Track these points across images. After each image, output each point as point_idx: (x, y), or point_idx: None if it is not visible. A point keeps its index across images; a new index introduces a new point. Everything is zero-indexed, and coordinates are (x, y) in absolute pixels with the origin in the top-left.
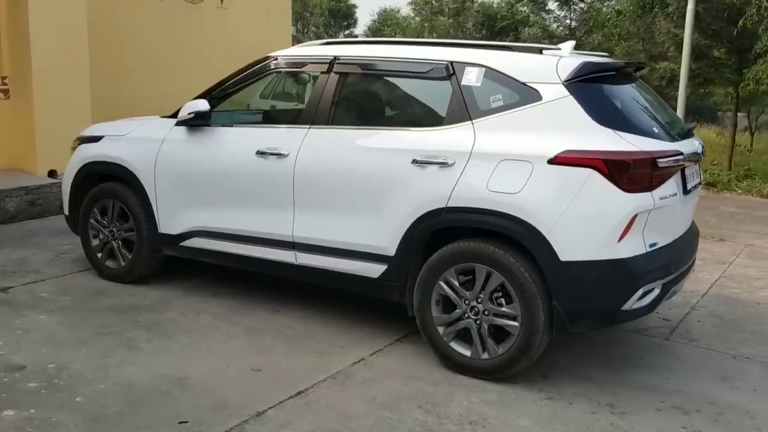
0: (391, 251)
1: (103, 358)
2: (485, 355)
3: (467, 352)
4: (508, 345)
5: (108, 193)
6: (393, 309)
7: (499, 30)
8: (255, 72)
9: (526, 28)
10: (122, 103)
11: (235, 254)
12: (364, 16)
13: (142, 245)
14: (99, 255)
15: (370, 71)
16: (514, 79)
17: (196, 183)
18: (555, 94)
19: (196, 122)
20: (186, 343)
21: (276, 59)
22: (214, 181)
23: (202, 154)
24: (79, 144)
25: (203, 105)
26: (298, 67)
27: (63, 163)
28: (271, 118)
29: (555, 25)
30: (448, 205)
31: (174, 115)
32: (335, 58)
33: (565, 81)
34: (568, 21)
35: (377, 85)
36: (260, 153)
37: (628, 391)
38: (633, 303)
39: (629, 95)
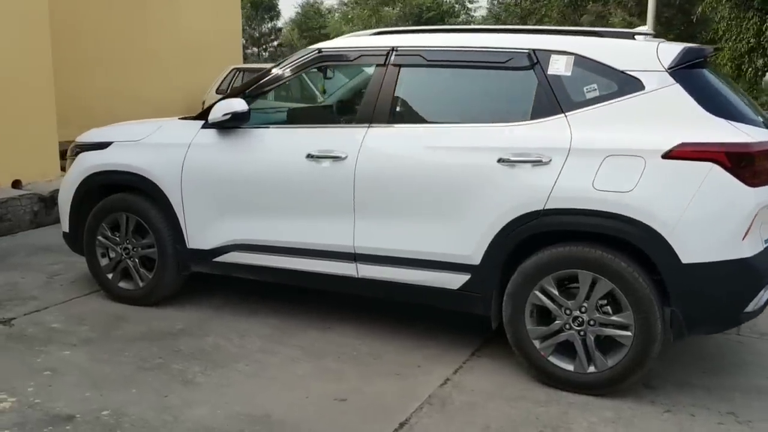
0: (476, 259)
1: (160, 398)
2: (591, 369)
3: (569, 367)
4: (619, 357)
5: (121, 206)
6: (449, 319)
7: (426, 21)
8: (300, 66)
9: (452, 19)
10: (65, 102)
11: (283, 269)
12: (288, 8)
13: (166, 263)
14: (110, 276)
15: (437, 62)
16: (610, 67)
17: (233, 191)
18: (659, 82)
19: (231, 124)
20: (247, 373)
21: (323, 51)
22: (255, 188)
23: (240, 158)
24: (78, 152)
25: (241, 105)
26: (349, 60)
27: (28, 171)
28: (315, 117)
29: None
30: (546, 207)
31: (200, 116)
32: (393, 48)
33: (669, 68)
34: (497, 10)
35: (446, 77)
36: (311, 156)
37: (739, 395)
38: (755, 303)
39: (719, 82)
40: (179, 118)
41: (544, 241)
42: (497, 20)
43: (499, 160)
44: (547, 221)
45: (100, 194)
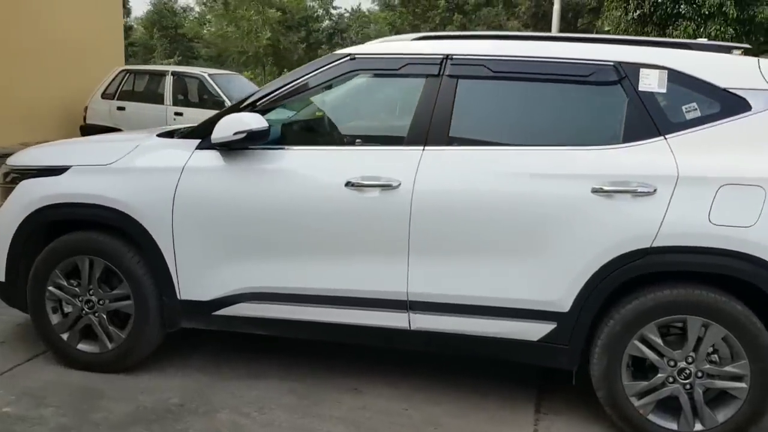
0: (565, 306)
1: None
2: (698, 427)
3: (672, 425)
4: (730, 411)
5: (83, 248)
6: (481, 366)
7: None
8: (327, 75)
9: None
10: None
11: (310, 322)
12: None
13: (147, 318)
14: (65, 336)
15: (504, 74)
16: (711, 84)
17: (246, 229)
18: (766, 103)
19: (241, 145)
20: None
21: (356, 58)
22: (278, 225)
23: (257, 187)
24: (15, 178)
25: (258, 122)
26: (391, 70)
27: None
28: (348, 135)
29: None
30: (654, 245)
31: (192, 134)
32: (447, 57)
33: None
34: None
35: (516, 91)
36: (352, 184)
37: None
38: None
39: None
40: (157, 135)
41: (643, 283)
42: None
43: (593, 191)
44: (656, 261)
45: (50, 233)
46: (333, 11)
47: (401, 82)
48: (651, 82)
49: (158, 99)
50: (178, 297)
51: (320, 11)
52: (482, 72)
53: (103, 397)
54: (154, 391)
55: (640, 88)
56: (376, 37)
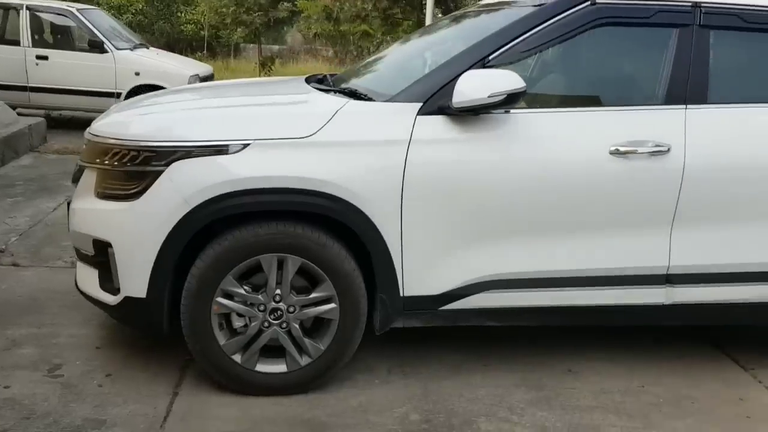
0: None
1: None
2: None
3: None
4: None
5: (272, 245)
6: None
7: None
8: (565, 25)
9: None
10: None
11: (557, 307)
12: None
13: (357, 323)
14: (238, 357)
15: (749, 24)
16: None
17: (494, 208)
18: None
19: (492, 109)
20: None
21: (598, 4)
22: (531, 200)
23: (508, 158)
24: (147, 158)
25: (516, 81)
26: (641, 18)
27: None
28: (601, 94)
29: None
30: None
31: (403, 96)
32: (696, 4)
33: None
34: None
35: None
36: (618, 151)
37: None
38: None
39: None
40: (353, 97)
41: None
42: None
43: None
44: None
45: (213, 229)
46: None
47: (648, 32)
48: None
49: (11, 40)
50: (401, 294)
51: None
52: (737, 23)
53: (331, 428)
54: (379, 409)
55: None
56: None
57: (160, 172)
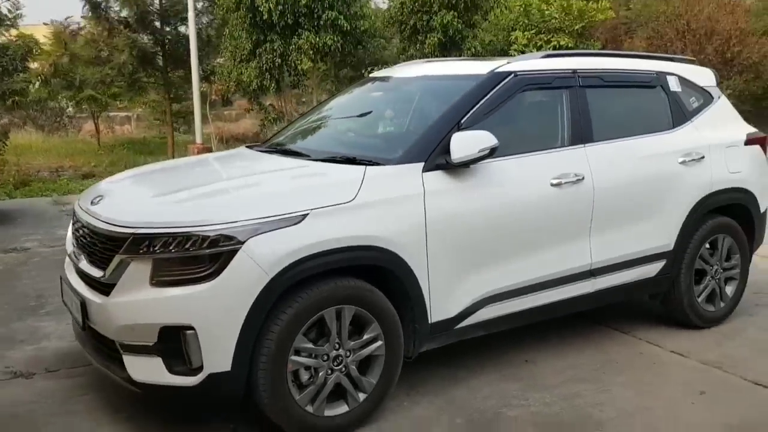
0: (671, 245)
1: None
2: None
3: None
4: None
5: (331, 299)
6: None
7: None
8: (504, 92)
9: None
10: None
11: (530, 309)
12: None
13: (399, 353)
14: (310, 408)
15: (605, 83)
16: (697, 85)
17: (486, 239)
18: (717, 94)
19: (478, 161)
20: None
21: (519, 75)
22: (512, 228)
23: (491, 199)
24: (213, 242)
25: (491, 138)
26: (545, 84)
27: None
28: (534, 141)
29: None
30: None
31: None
32: (574, 71)
33: (717, 84)
34: None
35: (615, 96)
36: (555, 183)
37: None
38: None
39: None
40: (349, 163)
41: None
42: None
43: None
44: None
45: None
46: None
47: (550, 93)
48: (673, 84)
49: None
50: (430, 321)
51: None
52: (598, 82)
53: None
54: (430, 423)
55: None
56: None
57: (235, 251)
